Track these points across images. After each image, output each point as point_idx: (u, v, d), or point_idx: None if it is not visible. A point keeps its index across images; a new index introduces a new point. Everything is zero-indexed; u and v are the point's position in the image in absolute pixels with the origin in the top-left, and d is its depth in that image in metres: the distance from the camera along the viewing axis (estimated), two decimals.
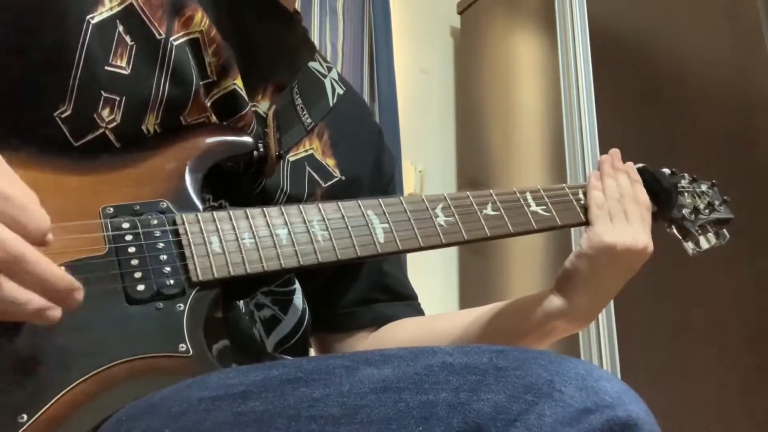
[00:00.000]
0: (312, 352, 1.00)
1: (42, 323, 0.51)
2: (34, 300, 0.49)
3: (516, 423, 0.44)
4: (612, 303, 1.86)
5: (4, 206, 0.49)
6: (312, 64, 0.93)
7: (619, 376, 1.81)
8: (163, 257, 0.63)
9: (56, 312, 0.50)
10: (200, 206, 0.70)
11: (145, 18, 0.72)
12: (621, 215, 0.82)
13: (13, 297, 0.48)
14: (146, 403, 0.51)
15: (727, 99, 1.78)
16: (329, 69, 0.96)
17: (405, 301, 0.95)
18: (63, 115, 0.68)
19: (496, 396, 0.45)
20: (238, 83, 0.78)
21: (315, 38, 2.32)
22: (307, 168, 0.87)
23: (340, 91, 0.95)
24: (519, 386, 0.46)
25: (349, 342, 0.92)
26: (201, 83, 0.75)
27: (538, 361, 0.48)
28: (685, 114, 1.87)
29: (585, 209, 0.85)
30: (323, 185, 0.88)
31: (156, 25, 0.73)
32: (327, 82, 0.94)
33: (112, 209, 0.65)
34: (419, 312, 0.96)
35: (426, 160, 2.62)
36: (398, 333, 0.91)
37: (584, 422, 0.44)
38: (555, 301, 0.82)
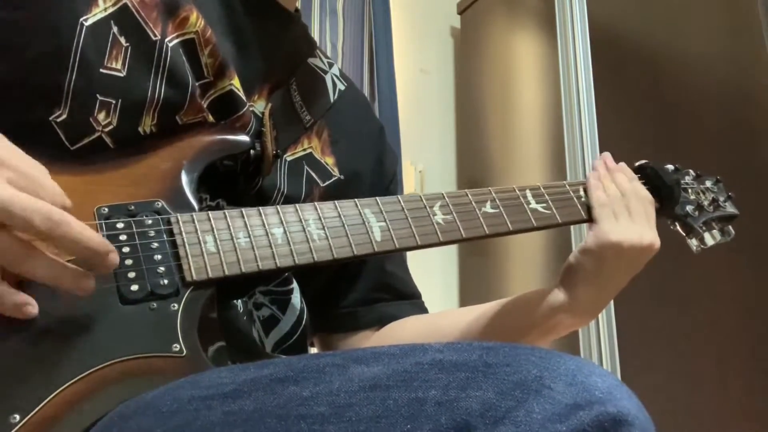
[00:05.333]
0: (313, 352, 0.99)
1: (79, 294, 0.55)
2: (71, 268, 0.54)
3: (504, 420, 0.43)
4: (612, 302, 1.86)
5: (26, 183, 0.53)
6: (312, 61, 0.93)
7: (619, 376, 1.81)
8: (158, 257, 0.63)
9: (91, 282, 0.55)
10: (196, 206, 0.70)
11: (140, 19, 0.72)
12: (625, 212, 0.82)
13: (55, 267, 0.54)
14: (138, 402, 0.51)
15: (727, 99, 1.78)
16: (330, 65, 0.96)
17: (408, 300, 0.95)
18: (59, 120, 0.68)
19: (485, 393, 0.45)
20: (235, 83, 0.78)
21: (315, 38, 2.31)
22: (306, 167, 0.87)
23: (341, 87, 0.95)
24: (508, 383, 0.45)
25: (353, 342, 0.91)
26: (197, 84, 0.75)
27: (528, 357, 0.47)
28: (685, 114, 1.86)
29: (586, 206, 0.85)
30: (321, 185, 0.87)
31: (151, 26, 0.73)
32: (328, 79, 0.94)
33: (106, 209, 0.65)
34: (423, 310, 0.96)
35: (426, 160, 2.62)
36: (402, 332, 0.90)
37: (573, 418, 0.43)
38: (559, 296, 0.81)
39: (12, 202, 0.51)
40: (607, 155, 0.89)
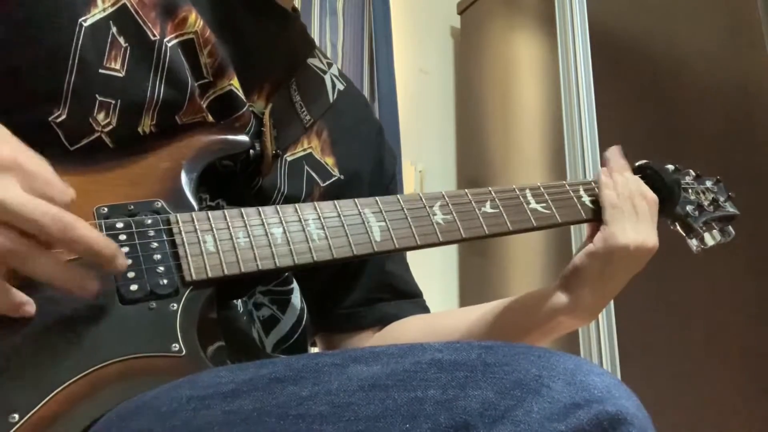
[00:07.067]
0: (314, 351, 0.99)
1: (82, 295, 0.56)
2: (74, 269, 0.55)
3: (503, 419, 0.43)
4: (612, 303, 1.86)
5: (34, 184, 0.53)
6: (311, 61, 0.93)
7: (618, 375, 1.81)
8: (157, 257, 0.63)
9: (94, 283, 0.56)
10: (195, 205, 0.70)
11: (139, 19, 0.72)
12: (632, 213, 0.81)
13: (60, 267, 0.54)
14: (137, 402, 0.51)
15: (727, 99, 1.78)
16: (329, 65, 0.96)
17: (409, 299, 0.95)
18: (58, 120, 0.68)
19: (484, 392, 0.45)
20: (234, 83, 0.78)
21: (315, 38, 2.31)
22: (306, 167, 0.87)
23: (340, 87, 0.95)
24: (507, 382, 0.45)
25: (355, 341, 0.91)
26: (196, 84, 0.75)
27: (527, 357, 0.47)
28: (685, 114, 1.86)
29: (587, 207, 0.84)
30: (321, 185, 0.87)
31: (150, 26, 0.73)
32: (327, 78, 0.94)
33: (106, 209, 0.65)
34: (424, 309, 0.96)
35: (426, 160, 2.62)
36: (403, 331, 0.90)
37: (572, 417, 0.43)
38: (561, 298, 0.81)
39: (25, 205, 0.51)
40: (618, 148, 0.88)
